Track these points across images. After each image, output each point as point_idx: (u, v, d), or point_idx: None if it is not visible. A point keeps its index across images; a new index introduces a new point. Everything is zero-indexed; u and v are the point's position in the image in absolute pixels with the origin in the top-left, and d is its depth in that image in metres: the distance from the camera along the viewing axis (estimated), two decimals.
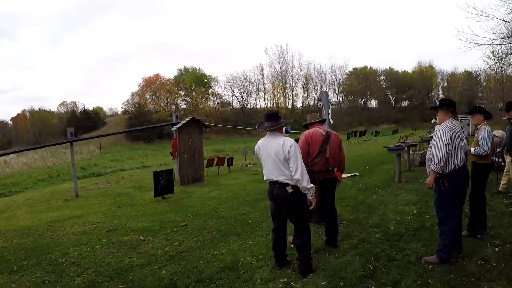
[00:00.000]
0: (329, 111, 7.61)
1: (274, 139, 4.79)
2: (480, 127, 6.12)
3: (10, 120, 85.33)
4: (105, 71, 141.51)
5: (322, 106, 7.50)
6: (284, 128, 5.18)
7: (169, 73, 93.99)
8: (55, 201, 13.08)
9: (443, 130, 4.74)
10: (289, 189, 4.62)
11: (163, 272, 5.24)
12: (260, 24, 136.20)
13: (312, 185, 4.64)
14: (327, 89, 79.66)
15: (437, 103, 5.11)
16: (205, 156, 16.60)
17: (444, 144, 4.62)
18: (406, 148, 12.79)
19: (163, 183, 11.42)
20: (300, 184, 4.53)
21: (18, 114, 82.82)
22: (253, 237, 6.55)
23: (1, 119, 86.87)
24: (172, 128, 14.86)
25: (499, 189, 8.75)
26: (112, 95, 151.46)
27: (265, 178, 4.93)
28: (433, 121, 18.49)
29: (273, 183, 4.79)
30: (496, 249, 5.21)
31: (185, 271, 5.20)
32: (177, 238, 6.86)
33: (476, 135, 6.18)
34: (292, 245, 5.37)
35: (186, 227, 7.62)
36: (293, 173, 4.56)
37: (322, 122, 6.36)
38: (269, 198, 4.97)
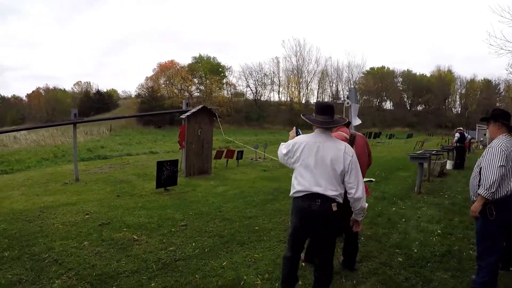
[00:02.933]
0: (356, 111, 6.85)
1: (330, 141, 3.78)
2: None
3: (25, 96, 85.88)
4: (117, 53, 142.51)
5: (350, 105, 6.73)
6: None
7: (184, 60, 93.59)
8: (54, 184, 12.57)
9: (497, 148, 3.95)
10: (334, 207, 3.63)
11: (152, 284, 4.55)
12: (278, 16, 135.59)
13: (367, 204, 3.86)
14: (343, 87, 78.98)
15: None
16: (214, 146, 15.97)
17: (498, 166, 3.85)
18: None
19: (166, 174, 10.79)
20: (360, 204, 3.69)
21: (33, 91, 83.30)
22: (259, 249, 5.82)
23: (17, 95, 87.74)
24: (181, 116, 14.21)
25: None
26: (126, 78, 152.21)
27: (298, 188, 3.74)
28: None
29: (313, 196, 3.64)
30: None
31: (178, 286, 4.51)
32: (173, 241, 6.19)
33: None
34: (303, 264, 4.69)
35: (186, 227, 6.96)
36: (352, 191, 3.65)
37: (346, 125, 5.22)
38: (300, 216, 3.75)
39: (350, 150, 3.75)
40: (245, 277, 4.75)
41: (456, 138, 17.09)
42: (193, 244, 6.05)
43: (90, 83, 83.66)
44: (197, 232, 6.67)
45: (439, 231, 6.74)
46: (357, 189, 3.64)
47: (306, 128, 3.92)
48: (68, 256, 5.48)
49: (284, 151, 3.91)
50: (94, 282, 4.62)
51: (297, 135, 4.18)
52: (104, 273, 4.86)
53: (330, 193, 3.61)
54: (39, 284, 4.58)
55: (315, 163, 3.67)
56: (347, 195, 3.70)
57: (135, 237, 6.38)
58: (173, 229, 6.84)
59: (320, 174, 3.64)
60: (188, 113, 13.73)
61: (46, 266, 5.12)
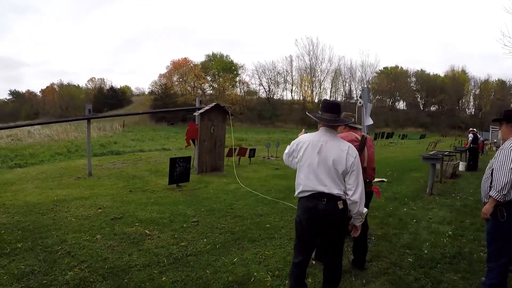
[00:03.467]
0: (369, 111, 6.76)
1: (334, 140, 3.71)
2: None
3: (39, 92, 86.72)
4: (130, 50, 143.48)
5: (362, 104, 6.66)
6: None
7: (197, 58, 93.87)
8: (67, 178, 12.65)
9: (510, 150, 3.90)
10: (340, 204, 3.57)
11: (164, 278, 4.59)
12: (291, 14, 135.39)
13: (366, 209, 3.81)
14: (356, 86, 78.62)
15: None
16: (227, 144, 15.97)
17: (510, 168, 3.80)
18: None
19: (179, 171, 10.83)
20: (357, 208, 3.61)
21: (47, 87, 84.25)
22: (270, 246, 5.84)
23: (31, 90, 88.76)
24: (194, 113, 14.24)
25: None
26: (140, 75, 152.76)
27: (303, 188, 3.68)
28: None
29: (319, 196, 3.59)
30: None
31: (189, 281, 4.53)
32: (185, 236, 6.22)
33: None
34: (313, 262, 4.68)
35: (197, 224, 6.99)
36: (350, 193, 3.58)
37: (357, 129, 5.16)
38: (307, 216, 3.66)
39: (354, 151, 3.67)
40: (255, 274, 4.76)
41: (470, 139, 16.91)
42: (205, 240, 6.08)
43: (104, 79, 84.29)
44: (209, 228, 6.70)
45: (450, 233, 6.71)
46: (355, 191, 3.58)
47: (315, 127, 3.87)
48: (81, 249, 5.54)
49: (287, 151, 3.90)
50: (106, 274, 4.66)
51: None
52: (116, 266, 4.90)
53: (335, 191, 3.56)
54: (52, 275, 4.63)
55: (318, 163, 3.62)
56: (346, 196, 3.62)
57: (147, 231, 6.42)
58: (184, 225, 6.88)
59: (324, 174, 3.59)
60: (201, 111, 13.76)
61: (58, 258, 5.18)
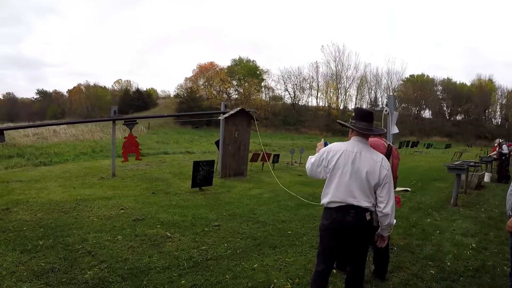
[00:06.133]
0: (395, 120, 6.60)
1: (367, 151, 3.58)
2: None
3: (66, 92, 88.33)
4: (157, 53, 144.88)
5: (388, 112, 6.52)
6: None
7: (223, 62, 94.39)
8: (91, 177, 12.76)
9: None
10: (368, 216, 3.48)
11: (183, 281, 4.52)
12: (317, 20, 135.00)
13: (395, 221, 3.69)
14: (381, 94, 77.86)
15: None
16: (251, 149, 15.91)
17: None
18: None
19: (202, 174, 10.80)
20: (388, 220, 3.51)
21: (74, 87, 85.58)
22: (291, 253, 5.72)
23: (58, 90, 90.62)
24: (219, 117, 14.22)
25: None
26: (165, 78, 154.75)
27: (331, 199, 3.54)
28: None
29: (347, 208, 3.48)
30: None
31: (208, 285, 4.46)
32: (206, 240, 6.16)
33: None
34: (334, 271, 4.56)
35: (219, 228, 6.92)
36: (382, 205, 3.46)
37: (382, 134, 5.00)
38: (333, 227, 3.55)
39: (387, 164, 3.57)
40: (275, 280, 4.67)
41: (506, 150, 16.30)
42: (226, 244, 6.01)
43: (130, 81, 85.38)
44: (230, 233, 6.63)
45: (473, 245, 6.52)
46: (387, 204, 3.47)
47: (341, 134, 3.73)
48: (101, 249, 5.54)
49: (314, 161, 3.73)
50: (125, 275, 4.63)
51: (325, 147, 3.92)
52: (136, 268, 4.87)
53: (364, 204, 3.45)
54: (71, 273, 4.63)
55: (351, 174, 3.48)
56: (376, 208, 3.54)
57: (168, 234, 6.38)
58: (206, 229, 6.82)
59: (355, 185, 3.47)
60: (225, 115, 13.73)
61: (79, 257, 5.18)
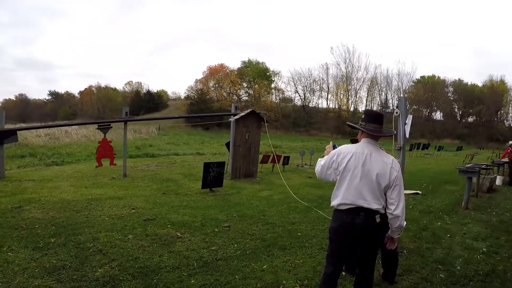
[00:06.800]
0: (406, 122, 6.54)
1: (378, 152, 3.58)
2: None
3: (78, 93, 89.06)
4: (167, 54, 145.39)
5: (399, 114, 6.48)
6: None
7: (233, 64, 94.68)
8: (102, 178, 12.88)
9: None
10: (378, 218, 3.47)
11: (192, 281, 4.54)
12: (327, 21, 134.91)
13: (405, 223, 3.70)
14: (392, 95, 77.46)
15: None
16: (262, 150, 15.92)
17: None
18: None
19: (212, 175, 10.83)
20: (398, 222, 3.49)
21: (85, 89, 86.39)
22: (301, 255, 5.72)
23: (70, 92, 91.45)
24: (229, 119, 14.26)
25: None
26: (176, 80, 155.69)
27: (341, 201, 3.53)
28: None
29: (357, 210, 3.47)
30: None
31: (217, 285, 4.48)
32: (216, 241, 6.18)
33: None
34: (343, 273, 4.57)
35: (229, 229, 6.94)
36: (392, 207, 3.44)
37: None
38: (342, 229, 3.54)
39: (397, 165, 3.56)
40: (284, 282, 4.67)
41: None
42: (235, 245, 6.02)
43: (141, 83, 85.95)
44: (240, 234, 6.64)
45: (484, 249, 6.44)
46: (398, 206, 3.45)
47: (351, 136, 3.74)
48: (112, 247, 5.58)
49: (324, 163, 3.72)
50: (135, 274, 4.66)
51: (333, 150, 3.89)
52: (146, 267, 4.90)
53: (374, 206, 3.44)
54: (82, 271, 4.67)
55: (361, 176, 3.48)
56: (386, 210, 3.52)
57: (178, 234, 6.40)
58: (216, 229, 6.84)
59: (366, 187, 3.46)
60: (236, 117, 13.77)
61: (90, 255, 5.23)
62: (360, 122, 3.72)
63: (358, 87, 77.37)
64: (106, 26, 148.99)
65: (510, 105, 79.38)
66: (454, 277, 5.12)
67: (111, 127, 13.77)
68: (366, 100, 78.33)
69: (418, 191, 12.20)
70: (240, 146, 13.87)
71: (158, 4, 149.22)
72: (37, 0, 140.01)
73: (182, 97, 77.59)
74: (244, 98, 71.48)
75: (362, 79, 77.13)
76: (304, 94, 76.67)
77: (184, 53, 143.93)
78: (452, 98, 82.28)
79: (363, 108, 76.30)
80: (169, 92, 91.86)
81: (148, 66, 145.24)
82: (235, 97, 68.98)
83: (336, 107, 75.63)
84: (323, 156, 3.85)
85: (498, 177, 15.33)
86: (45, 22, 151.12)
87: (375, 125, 3.62)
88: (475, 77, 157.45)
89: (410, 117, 6.53)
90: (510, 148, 16.52)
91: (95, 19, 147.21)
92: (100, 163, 12.98)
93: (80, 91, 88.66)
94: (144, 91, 79.01)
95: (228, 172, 13.66)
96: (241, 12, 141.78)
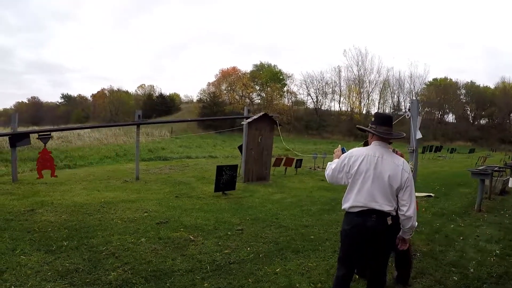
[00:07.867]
0: (418, 124, 6.47)
1: (389, 155, 3.59)
2: None
3: (90, 96, 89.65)
4: (179, 58, 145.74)
5: (410, 117, 6.42)
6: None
7: (245, 67, 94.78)
8: (115, 181, 12.90)
9: None
10: (389, 220, 3.49)
11: (206, 284, 4.51)
12: (339, 24, 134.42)
13: (416, 223, 3.65)
14: (404, 98, 76.98)
15: None
16: (274, 153, 15.87)
17: None
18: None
19: (225, 178, 10.81)
20: (410, 222, 3.51)
21: (98, 92, 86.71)
22: (314, 258, 5.67)
23: (82, 95, 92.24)
24: (242, 122, 14.24)
25: None
26: (189, 83, 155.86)
27: (353, 203, 3.55)
28: None
29: (369, 212, 3.47)
30: None
31: None
32: (229, 244, 6.14)
33: None
34: (356, 276, 4.52)
35: (242, 232, 6.89)
36: (404, 208, 3.47)
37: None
38: (354, 231, 3.54)
39: (407, 167, 3.59)
40: (297, 285, 4.64)
41: None
42: (248, 248, 5.98)
43: (153, 86, 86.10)
44: (253, 237, 6.60)
45: (497, 252, 6.36)
46: (409, 207, 3.48)
47: (364, 138, 3.70)
48: (125, 251, 5.57)
49: (335, 166, 3.72)
50: (148, 277, 4.64)
51: (342, 153, 3.93)
52: (159, 270, 4.89)
53: (386, 208, 3.46)
54: (95, 274, 4.67)
55: (373, 178, 3.50)
56: (398, 211, 3.54)
57: (191, 237, 6.38)
58: (229, 233, 6.81)
59: (377, 190, 3.48)
60: (249, 120, 13.75)
61: (103, 258, 5.22)
62: (370, 125, 3.76)
63: (370, 90, 76.88)
64: (118, 29, 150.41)
65: None
66: (467, 280, 5.07)
67: (52, 137, 13.54)
68: (379, 103, 77.89)
69: (431, 194, 12.09)
70: (252, 149, 13.83)
71: (169, 7, 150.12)
72: (47, 3, 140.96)
73: (195, 100, 77.69)
74: (257, 101, 71.46)
75: (374, 81, 76.64)
76: (317, 97, 76.37)
77: (196, 56, 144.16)
78: (464, 101, 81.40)
79: (376, 111, 75.91)
80: (182, 95, 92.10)
81: (160, 70, 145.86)
82: (247, 100, 68.97)
83: (349, 110, 75.29)
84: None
85: (510, 179, 15.14)
86: (56, 25, 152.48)
87: (385, 127, 3.65)
88: (487, 79, 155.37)
89: (419, 118, 6.48)
90: None
91: (106, 22, 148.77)
92: (41, 174, 12.37)
93: (92, 94, 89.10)
94: (157, 94, 79.27)
95: (241, 175, 13.63)
96: (253, 15, 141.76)
